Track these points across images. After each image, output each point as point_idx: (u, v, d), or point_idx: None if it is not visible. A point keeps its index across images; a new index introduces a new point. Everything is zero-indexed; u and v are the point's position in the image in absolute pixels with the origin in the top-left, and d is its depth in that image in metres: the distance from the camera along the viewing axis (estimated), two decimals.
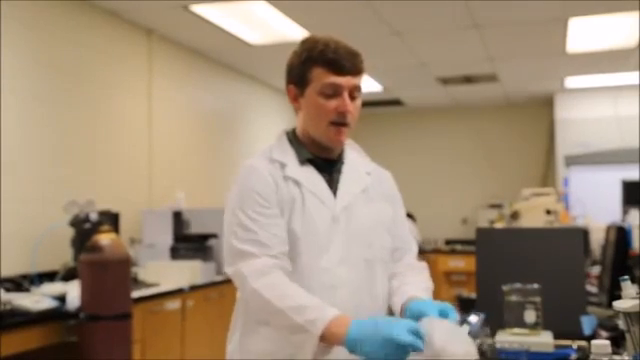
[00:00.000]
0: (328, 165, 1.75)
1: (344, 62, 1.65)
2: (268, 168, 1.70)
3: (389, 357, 1.38)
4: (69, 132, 4.42)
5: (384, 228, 1.76)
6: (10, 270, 3.75)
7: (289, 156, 1.73)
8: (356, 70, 1.68)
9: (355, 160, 1.82)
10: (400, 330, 1.37)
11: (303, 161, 1.73)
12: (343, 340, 1.43)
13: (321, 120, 1.68)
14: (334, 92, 1.66)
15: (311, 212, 1.66)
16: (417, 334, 1.38)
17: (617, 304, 1.62)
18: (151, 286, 4.21)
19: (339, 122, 1.67)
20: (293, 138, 1.78)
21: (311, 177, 1.71)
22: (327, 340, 1.46)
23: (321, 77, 1.66)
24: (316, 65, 1.66)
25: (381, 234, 1.75)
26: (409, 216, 8.72)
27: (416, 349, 1.36)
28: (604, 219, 5.05)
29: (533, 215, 5.60)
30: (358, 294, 1.67)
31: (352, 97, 1.68)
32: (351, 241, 1.68)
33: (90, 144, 4.62)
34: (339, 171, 1.76)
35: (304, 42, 1.73)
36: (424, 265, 1.84)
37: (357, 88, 1.69)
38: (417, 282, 1.73)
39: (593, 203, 6.67)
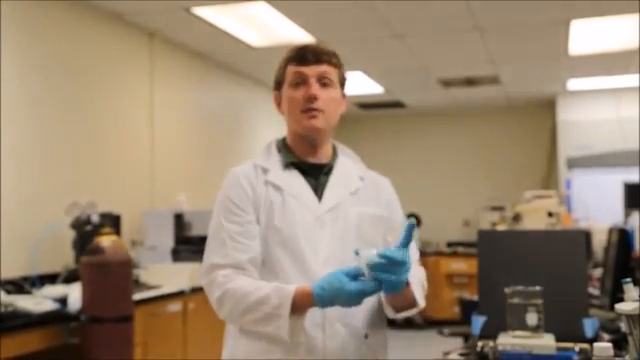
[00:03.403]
0: (315, 169, 1.77)
1: (307, 53, 1.73)
2: (248, 174, 1.74)
3: (357, 302, 1.52)
4: (71, 134, 4.43)
5: (376, 229, 1.74)
6: (11, 272, 3.75)
7: (273, 161, 1.77)
8: (321, 60, 1.73)
9: (347, 164, 1.83)
10: (346, 282, 1.49)
11: (287, 165, 1.76)
12: (314, 306, 1.55)
13: (293, 110, 1.74)
14: (301, 81, 1.72)
15: (291, 213, 1.69)
16: (357, 275, 1.50)
17: (619, 306, 1.62)
18: (152, 288, 4.22)
19: (309, 109, 1.71)
20: (281, 145, 1.82)
21: (293, 181, 1.74)
22: (300, 312, 1.56)
23: (289, 71, 1.75)
24: (287, 64, 1.76)
25: (372, 234, 1.73)
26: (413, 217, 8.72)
27: (367, 291, 1.50)
28: (606, 221, 5.05)
29: (535, 217, 5.59)
30: None
31: (323, 85, 1.73)
32: (340, 241, 1.69)
33: (92, 146, 4.63)
34: (327, 174, 1.78)
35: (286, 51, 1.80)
36: (422, 269, 1.84)
37: (325, 76, 1.73)
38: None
39: (595, 205, 6.66)
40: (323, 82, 1.73)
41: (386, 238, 1.54)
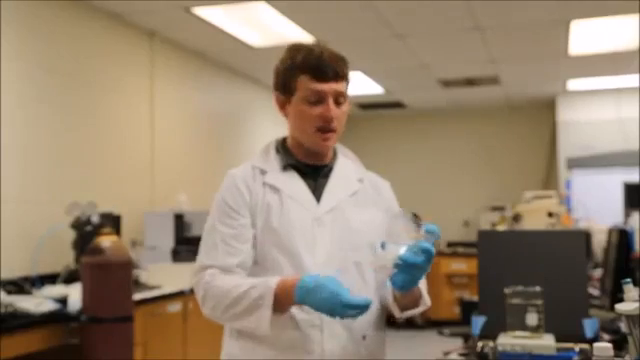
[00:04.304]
0: (314, 171, 1.77)
1: (327, 69, 1.67)
2: (245, 176, 1.73)
3: (334, 312, 1.47)
4: (71, 134, 4.43)
5: (375, 232, 1.70)
6: (11, 272, 3.76)
7: (271, 163, 1.76)
8: (339, 76, 1.69)
9: (347, 166, 1.83)
10: (343, 292, 1.47)
11: (285, 167, 1.75)
12: (294, 301, 1.53)
13: (307, 127, 1.70)
14: (318, 99, 1.68)
15: (289, 214, 1.68)
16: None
17: (619, 307, 1.62)
18: (153, 288, 4.22)
19: (325, 129, 1.69)
20: (280, 145, 1.80)
21: (291, 182, 1.73)
22: (281, 306, 1.55)
23: (305, 85, 1.68)
24: (300, 73, 1.69)
25: (372, 237, 1.69)
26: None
27: (359, 307, 1.47)
28: (606, 222, 5.05)
29: (535, 217, 5.61)
30: None
31: (337, 102, 1.70)
32: (338, 243, 1.68)
33: (92, 146, 4.63)
34: (326, 176, 1.77)
35: (289, 49, 1.75)
36: None
37: (342, 94, 1.70)
38: None
39: (595, 206, 6.66)
40: (338, 101, 1.70)
41: (418, 233, 1.51)
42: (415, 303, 1.69)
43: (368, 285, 1.71)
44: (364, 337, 1.69)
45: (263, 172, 1.74)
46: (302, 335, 1.62)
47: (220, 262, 1.65)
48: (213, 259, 1.66)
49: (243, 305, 1.57)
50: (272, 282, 1.56)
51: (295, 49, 1.72)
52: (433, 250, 1.50)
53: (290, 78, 1.71)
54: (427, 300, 1.71)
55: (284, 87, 1.73)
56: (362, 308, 1.47)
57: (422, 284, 1.69)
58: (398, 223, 1.54)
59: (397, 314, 1.70)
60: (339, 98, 1.70)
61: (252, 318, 1.56)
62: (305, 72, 1.68)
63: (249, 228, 1.69)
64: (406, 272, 1.50)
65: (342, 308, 1.46)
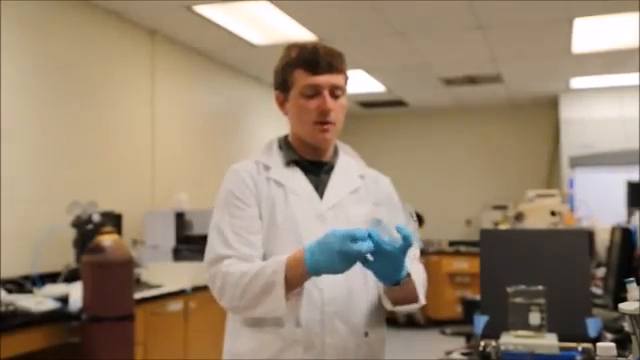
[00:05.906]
0: (316, 167, 1.78)
1: (320, 61, 1.68)
2: (249, 170, 1.74)
3: (346, 267, 1.48)
4: (72, 133, 4.42)
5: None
6: (12, 271, 3.75)
7: (274, 159, 1.77)
8: (334, 69, 1.70)
9: (348, 163, 1.84)
10: (337, 233, 1.46)
11: (288, 163, 1.76)
12: (306, 270, 1.50)
13: (305, 121, 1.71)
14: (314, 92, 1.69)
15: (293, 209, 1.69)
16: (360, 238, 1.45)
17: (622, 306, 1.61)
18: (153, 287, 4.21)
19: (322, 121, 1.69)
20: (283, 142, 1.82)
21: (295, 178, 1.74)
22: (294, 281, 1.52)
23: (300, 79, 1.70)
24: (295, 68, 1.71)
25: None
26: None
27: (360, 253, 1.45)
28: (609, 220, 5.03)
29: (538, 216, 5.59)
30: (349, 291, 1.68)
31: (334, 96, 1.70)
32: None
33: (93, 145, 4.62)
34: (328, 172, 1.78)
35: (286, 47, 1.77)
36: (422, 266, 1.82)
37: (338, 87, 1.71)
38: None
39: (598, 204, 6.63)
40: (335, 94, 1.70)
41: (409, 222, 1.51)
42: (407, 300, 1.66)
43: (369, 282, 1.71)
44: (366, 334, 1.69)
45: (267, 168, 1.75)
46: (303, 331, 1.62)
47: (236, 252, 1.63)
48: (229, 249, 1.64)
49: (258, 286, 1.54)
50: (282, 257, 1.55)
51: (291, 47, 1.75)
52: (390, 246, 1.48)
53: (287, 74, 1.73)
54: (422, 299, 1.69)
55: (282, 84, 1.75)
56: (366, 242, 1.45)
57: (420, 283, 1.68)
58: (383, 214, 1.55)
59: (388, 306, 1.70)
60: (335, 91, 1.70)
61: (269, 299, 1.53)
62: (300, 66, 1.69)
63: (257, 220, 1.69)
64: (376, 257, 1.49)
65: (351, 250, 1.45)
